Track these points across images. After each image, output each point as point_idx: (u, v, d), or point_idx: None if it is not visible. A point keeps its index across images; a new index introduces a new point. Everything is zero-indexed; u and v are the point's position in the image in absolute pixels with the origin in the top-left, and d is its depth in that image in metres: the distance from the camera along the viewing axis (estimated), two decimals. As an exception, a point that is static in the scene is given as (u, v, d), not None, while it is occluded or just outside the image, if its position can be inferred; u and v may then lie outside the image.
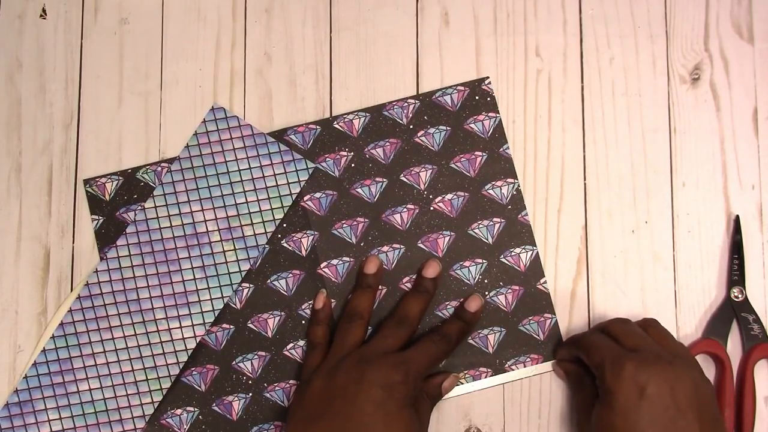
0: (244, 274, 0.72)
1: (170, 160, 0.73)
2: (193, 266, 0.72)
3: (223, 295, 0.72)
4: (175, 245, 0.72)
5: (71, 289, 0.73)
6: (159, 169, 0.73)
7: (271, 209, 0.73)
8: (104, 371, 0.71)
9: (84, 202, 0.74)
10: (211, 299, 0.72)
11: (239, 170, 0.73)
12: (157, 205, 0.73)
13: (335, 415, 0.63)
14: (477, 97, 0.73)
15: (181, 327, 0.72)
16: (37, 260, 0.74)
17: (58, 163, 0.75)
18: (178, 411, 0.71)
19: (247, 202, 0.73)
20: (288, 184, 0.73)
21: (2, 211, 0.74)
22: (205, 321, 0.72)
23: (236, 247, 0.72)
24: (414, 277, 0.72)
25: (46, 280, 0.74)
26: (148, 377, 0.71)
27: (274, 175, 0.73)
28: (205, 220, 0.73)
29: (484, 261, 0.72)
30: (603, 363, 0.62)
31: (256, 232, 0.72)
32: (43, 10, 0.76)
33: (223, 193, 0.73)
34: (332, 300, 0.72)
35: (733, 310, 0.71)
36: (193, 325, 0.72)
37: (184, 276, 0.72)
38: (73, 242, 0.74)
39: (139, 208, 0.73)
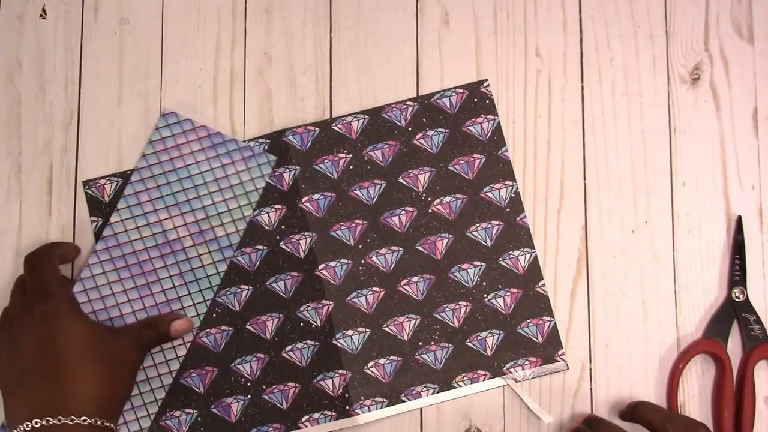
0: (222, 275, 0.72)
1: (128, 172, 0.73)
2: (171, 274, 0.72)
3: (205, 298, 0.72)
4: (149, 256, 0.72)
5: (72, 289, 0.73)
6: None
7: (239, 207, 0.72)
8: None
9: (84, 202, 0.74)
10: (194, 304, 0.72)
11: (201, 173, 0.73)
12: (123, 218, 0.72)
13: None
14: (476, 100, 0.73)
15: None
16: (38, 261, 0.74)
17: (58, 163, 0.75)
18: (177, 413, 0.71)
19: (214, 203, 0.73)
20: (252, 179, 0.73)
21: (2, 211, 0.74)
22: (193, 326, 0.71)
23: (210, 250, 0.72)
24: (412, 279, 0.72)
25: (46, 281, 0.74)
26: (141, 390, 0.71)
27: (237, 172, 0.73)
28: (175, 227, 0.72)
29: (482, 263, 0.72)
30: None
31: (228, 232, 0.72)
32: (43, 10, 0.76)
33: (189, 197, 0.73)
34: (330, 302, 0.72)
35: (733, 311, 0.71)
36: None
37: (164, 285, 0.72)
38: (73, 242, 0.74)
39: (107, 223, 0.73)
